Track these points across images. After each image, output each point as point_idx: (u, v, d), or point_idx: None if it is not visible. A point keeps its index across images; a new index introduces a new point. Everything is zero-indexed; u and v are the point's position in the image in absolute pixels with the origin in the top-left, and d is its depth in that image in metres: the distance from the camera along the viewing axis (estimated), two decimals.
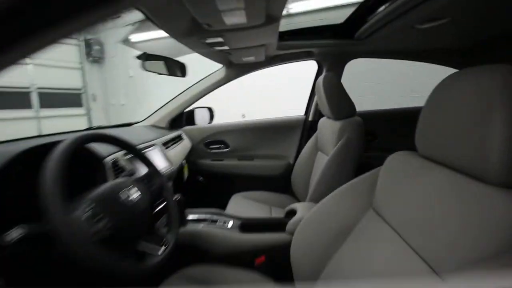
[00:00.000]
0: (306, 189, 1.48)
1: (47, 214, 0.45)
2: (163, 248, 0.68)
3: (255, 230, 1.06)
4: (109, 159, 0.88)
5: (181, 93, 1.63)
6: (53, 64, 5.45)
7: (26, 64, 4.90)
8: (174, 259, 1.12)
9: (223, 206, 1.46)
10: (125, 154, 0.96)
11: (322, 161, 1.37)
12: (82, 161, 0.81)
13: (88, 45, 5.71)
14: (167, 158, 1.22)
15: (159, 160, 1.16)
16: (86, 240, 0.48)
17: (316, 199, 1.14)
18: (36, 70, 5.12)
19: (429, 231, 0.46)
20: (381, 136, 1.63)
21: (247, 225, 1.11)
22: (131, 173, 0.81)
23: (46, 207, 0.45)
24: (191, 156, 1.79)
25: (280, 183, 1.77)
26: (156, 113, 1.66)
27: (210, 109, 1.95)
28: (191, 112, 1.81)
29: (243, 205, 1.48)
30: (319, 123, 1.45)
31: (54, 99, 5.56)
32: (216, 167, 1.82)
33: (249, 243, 0.99)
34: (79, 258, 0.46)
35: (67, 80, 5.75)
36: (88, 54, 5.81)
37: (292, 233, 0.94)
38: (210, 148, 1.81)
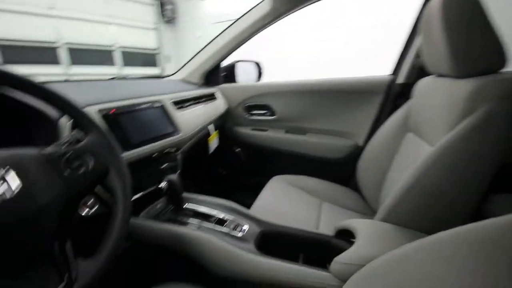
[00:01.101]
0: (378, 186, 0.96)
1: None
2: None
3: (280, 248, 0.66)
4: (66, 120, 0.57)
5: (212, 39, 1.23)
6: (133, 25, 5.77)
7: (108, 23, 5.28)
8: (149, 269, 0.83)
9: (258, 189, 1.09)
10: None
11: (416, 149, 0.81)
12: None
13: (161, 4, 5.76)
14: (173, 122, 0.88)
15: (159, 124, 0.83)
16: None
17: (397, 219, 0.64)
18: (118, 30, 5.49)
19: None
20: None
21: (269, 237, 0.71)
22: (74, 140, 0.49)
23: None
24: (227, 122, 1.44)
25: (341, 170, 1.27)
26: (187, 65, 1.32)
27: (257, 64, 1.52)
28: (231, 66, 1.42)
29: (283, 192, 1.08)
30: (418, 88, 0.87)
31: (135, 58, 5.99)
32: (256, 138, 1.43)
33: (266, 273, 0.60)
34: None
35: (144, 40, 6.06)
36: (162, 14, 5.90)
37: (342, 280, 0.52)
38: (251, 114, 1.41)
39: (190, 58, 1.32)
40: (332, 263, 0.57)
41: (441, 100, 0.68)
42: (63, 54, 4.63)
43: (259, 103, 1.37)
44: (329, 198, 1.07)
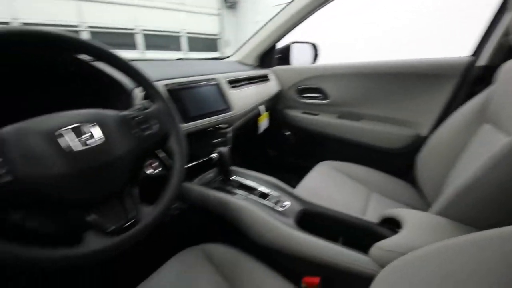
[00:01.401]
0: (440, 181, 0.86)
1: None
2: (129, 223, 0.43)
3: (319, 228, 0.67)
4: (139, 91, 0.67)
5: (268, 21, 1.23)
6: (198, 11, 6.09)
7: (178, 10, 5.68)
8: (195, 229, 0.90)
9: (304, 173, 1.09)
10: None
11: (492, 142, 0.70)
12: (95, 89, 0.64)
13: None
14: (226, 100, 0.94)
15: (213, 101, 0.90)
16: None
17: (455, 214, 0.58)
18: (186, 16, 5.88)
19: None
20: None
21: (309, 217, 0.72)
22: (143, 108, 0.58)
23: None
24: (279, 104, 1.45)
25: (397, 161, 1.18)
26: (243, 47, 1.36)
27: (314, 45, 1.47)
28: (286, 48, 1.41)
29: (329, 178, 1.05)
30: (503, 70, 0.73)
31: (198, 43, 6.37)
32: (307, 122, 1.41)
33: (304, 248, 0.62)
34: None
35: (208, 26, 6.37)
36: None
37: (380, 265, 0.51)
38: (303, 97, 1.39)
39: (246, 41, 1.36)
40: (372, 248, 0.55)
41: None
42: (139, 40, 5.21)
43: (312, 86, 1.34)
44: (380, 189, 1.01)
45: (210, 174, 0.88)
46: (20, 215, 0.36)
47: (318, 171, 1.10)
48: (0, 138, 0.34)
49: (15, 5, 3.84)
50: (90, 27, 4.64)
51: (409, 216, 0.58)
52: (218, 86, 0.94)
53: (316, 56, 1.49)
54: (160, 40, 5.57)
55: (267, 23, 1.25)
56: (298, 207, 0.73)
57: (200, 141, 0.86)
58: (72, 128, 0.39)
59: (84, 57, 0.57)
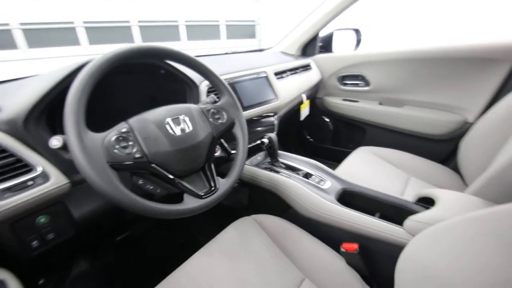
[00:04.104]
0: (484, 168, 0.87)
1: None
2: (207, 190, 0.58)
3: (358, 205, 0.76)
4: (205, 84, 0.81)
5: (310, 13, 1.28)
6: None
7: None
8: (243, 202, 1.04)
9: (342, 158, 1.16)
10: None
11: None
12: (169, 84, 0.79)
13: None
14: (273, 90, 1.04)
15: (262, 91, 1.01)
16: (98, 161, 0.44)
17: (490, 195, 0.63)
18: (224, 4, 5.98)
19: None
20: None
21: (349, 196, 0.81)
22: (213, 100, 0.72)
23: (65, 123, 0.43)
24: (319, 92, 1.51)
25: (440, 148, 1.18)
26: (286, 38, 1.44)
27: (357, 31, 1.48)
28: (329, 36, 1.45)
29: (368, 162, 1.10)
30: None
31: (236, 31, 6.48)
32: (346, 109, 1.45)
33: (344, 221, 0.71)
34: (89, 181, 0.43)
35: (246, 13, 6.41)
36: None
37: (413, 235, 0.59)
38: (344, 84, 1.43)
39: (289, 32, 1.43)
40: (406, 220, 0.63)
41: None
42: (182, 32, 5.50)
43: (353, 73, 1.37)
44: (419, 174, 1.04)
45: (258, 156, 1.01)
46: (144, 181, 0.53)
47: (357, 155, 1.16)
48: (130, 126, 0.50)
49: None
50: (140, 21, 5.04)
51: (443, 195, 0.64)
52: (266, 78, 1.05)
53: (359, 41, 1.50)
54: (201, 31, 5.81)
55: (309, 14, 1.30)
56: (339, 186, 0.83)
57: (251, 128, 0.98)
58: (173, 119, 0.54)
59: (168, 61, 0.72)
